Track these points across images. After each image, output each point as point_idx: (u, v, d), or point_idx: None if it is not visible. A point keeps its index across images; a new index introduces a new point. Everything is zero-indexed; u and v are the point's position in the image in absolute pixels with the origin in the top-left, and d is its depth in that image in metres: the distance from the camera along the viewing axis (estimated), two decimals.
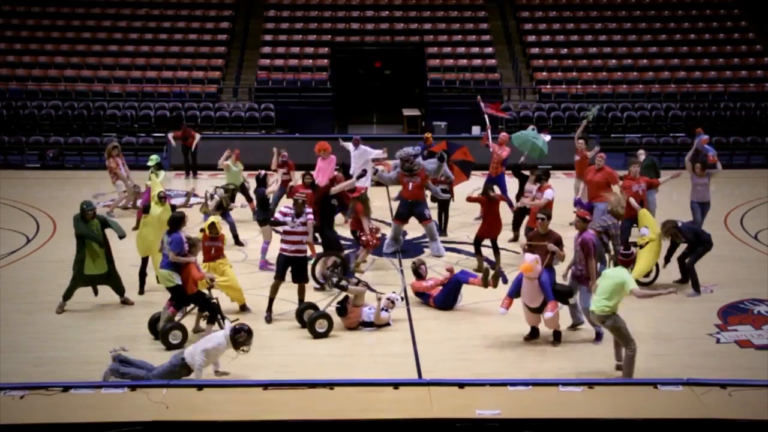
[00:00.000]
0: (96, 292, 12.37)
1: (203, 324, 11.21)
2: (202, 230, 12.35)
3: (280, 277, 11.82)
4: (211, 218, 12.44)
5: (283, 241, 11.85)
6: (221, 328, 11.02)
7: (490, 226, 14.07)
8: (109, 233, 12.38)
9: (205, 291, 11.15)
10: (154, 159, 16.48)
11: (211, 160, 19.86)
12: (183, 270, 10.91)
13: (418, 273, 12.63)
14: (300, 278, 11.87)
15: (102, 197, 18.99)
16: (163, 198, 12.84)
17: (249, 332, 9.62)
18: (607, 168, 14.89)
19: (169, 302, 11.08)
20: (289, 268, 11.84)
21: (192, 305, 11.23)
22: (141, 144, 24.46)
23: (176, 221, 11.24)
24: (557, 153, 21.70)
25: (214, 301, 11.15)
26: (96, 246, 12.07)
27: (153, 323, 11.20)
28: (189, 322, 11.29)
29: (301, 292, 11.88)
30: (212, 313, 10.98)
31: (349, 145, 17.83)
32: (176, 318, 11.11)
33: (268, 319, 11.78)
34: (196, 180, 21.51)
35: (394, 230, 14.95)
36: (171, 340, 10.77)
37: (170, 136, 22.38)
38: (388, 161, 17.27)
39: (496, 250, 14.16)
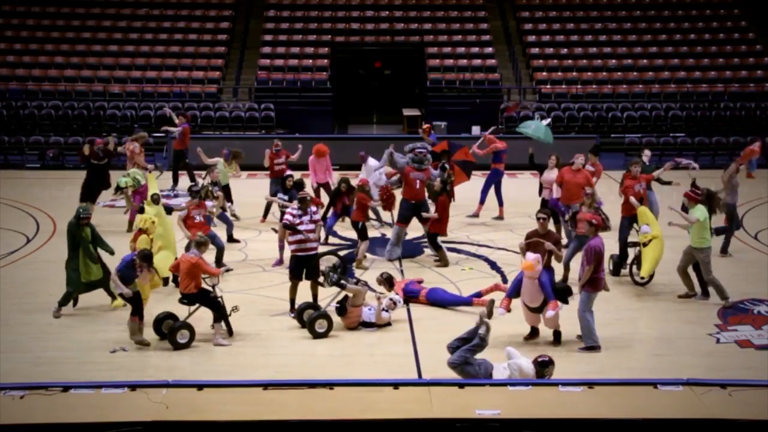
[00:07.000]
0: (75, 304, 12.19)
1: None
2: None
3: (296, 278, 11.89)
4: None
5: (293, 241, 11.87)
6: (228, 327, 11.11)
7: (441, 222, 14.46)
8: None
9: (209, 288, 11.10)
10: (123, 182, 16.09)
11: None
12: (188, 270, 10.86)
13: (390, 282, 12.53)
14: (314, 276, 11.82)
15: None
16: (157, 200, 12.73)
17: (552, 361, 9.53)
18: (585, 170, 14.73)
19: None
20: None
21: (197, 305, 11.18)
22: None
23: (146, 257, 11.10)
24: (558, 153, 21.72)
25: (219, 298, 11.12)
26: (92, 250, 11.96)
27: (158, 323, 11.17)
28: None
29: (314, 289, 11.84)
30: (219, 311, 11.02)
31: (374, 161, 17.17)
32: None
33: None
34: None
35: (396, 233, 14.63)
36: (179, 340, 10.81)
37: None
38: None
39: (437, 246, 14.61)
